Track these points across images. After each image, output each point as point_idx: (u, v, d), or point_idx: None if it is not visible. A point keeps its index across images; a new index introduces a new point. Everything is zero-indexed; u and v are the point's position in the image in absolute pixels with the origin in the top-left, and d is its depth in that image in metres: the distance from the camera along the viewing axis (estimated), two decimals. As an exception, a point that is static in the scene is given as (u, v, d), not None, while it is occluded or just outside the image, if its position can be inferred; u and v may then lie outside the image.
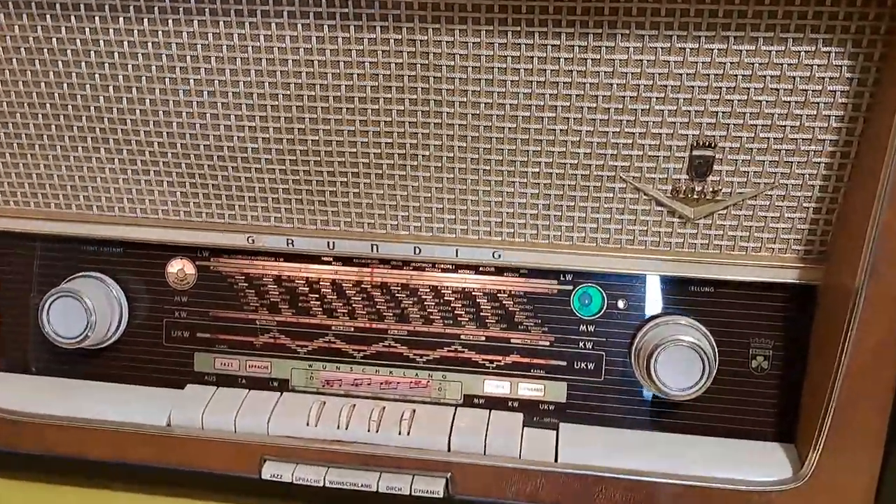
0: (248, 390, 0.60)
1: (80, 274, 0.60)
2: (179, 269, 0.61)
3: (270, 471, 0.56)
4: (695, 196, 0.53)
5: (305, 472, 0.56)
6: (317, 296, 0.60)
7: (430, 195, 0.55)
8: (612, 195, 0.54)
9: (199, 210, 0.58)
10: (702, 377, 0.52)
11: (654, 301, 0.57)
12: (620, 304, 0.57)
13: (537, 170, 0.53)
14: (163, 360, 0.61)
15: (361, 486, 0.55)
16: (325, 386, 0.60)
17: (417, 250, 0.57)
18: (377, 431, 0.57)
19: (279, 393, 0.60)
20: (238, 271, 0.60)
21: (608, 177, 0.53)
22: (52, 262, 0.61)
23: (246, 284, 0.60)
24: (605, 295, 0.57)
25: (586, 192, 0.54)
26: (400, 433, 0.57)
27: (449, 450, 0.56)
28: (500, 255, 0.56)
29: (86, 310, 0.57)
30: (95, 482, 0.60)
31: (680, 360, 0.54)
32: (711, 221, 0.53)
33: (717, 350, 0.54)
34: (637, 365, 0.56)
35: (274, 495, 0.57)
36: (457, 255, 0.57)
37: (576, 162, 0.53)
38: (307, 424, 0.57)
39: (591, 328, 0.58)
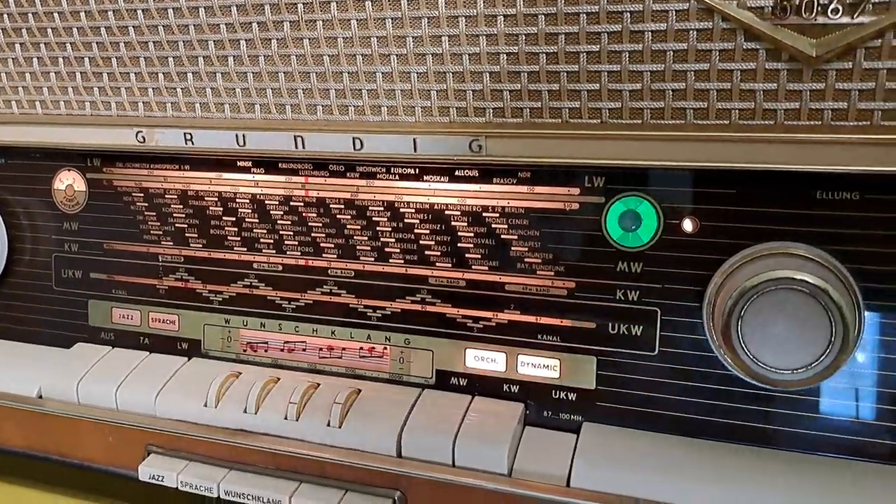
0: (148, 353, 0.48)
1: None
2: (69, 184, 0.49)
3: (152, 469, 0.43)
4: (814, 18, 0.31)
5: (196, 473, 0.42)
6: (233, 219, 0.46)
7: (406, 48, 0.37)
8: (664, 26, 0.33)
9: (81, 97, 0.45)
10: (828, 349, 0.31)
11: (747, 219, 0.36)
12: (687, 224, 0.38)
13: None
14: (53, 311, 0.50)
15: (267, 501, 0.40)
16: (248, 351, 0.47)
17: (358, 143, 0.40)
18: (297, 419, 0.41)
19: (186, 358, 0.47)
20: (135, 185, 0.48)
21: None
22: None
23: (145, 204, 0.48)
24: (660, 210, 0.38)
25: (641, 24, 0.34)
26: (329, 424, 0.41)
27: (399, 454, 0.40)
28: (479, 147, 0.38)
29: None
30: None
31: (788, 319, 0.32)
32: (852, 64, 0.31)
33: (860, 301, 0.33)
34: (712, 326, 0.36)
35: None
36: (415, 150, 0.39)
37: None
38: (205, 405, 0.44)
39: (636, 267, 0.38)
